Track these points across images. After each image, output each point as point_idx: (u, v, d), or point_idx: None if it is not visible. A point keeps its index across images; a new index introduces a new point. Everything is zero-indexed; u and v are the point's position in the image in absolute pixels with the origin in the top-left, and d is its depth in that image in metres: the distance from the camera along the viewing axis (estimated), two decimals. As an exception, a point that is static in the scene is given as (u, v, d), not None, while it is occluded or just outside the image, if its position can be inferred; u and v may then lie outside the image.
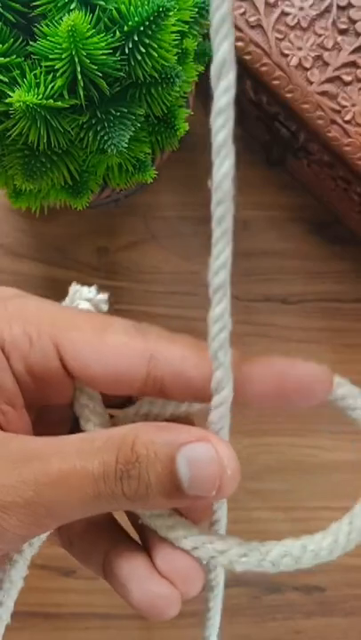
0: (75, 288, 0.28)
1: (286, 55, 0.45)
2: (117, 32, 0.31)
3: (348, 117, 0.45)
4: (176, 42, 0.32)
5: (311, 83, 0.45)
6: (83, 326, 0.25)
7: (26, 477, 0.22)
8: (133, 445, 0.23)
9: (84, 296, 0.27)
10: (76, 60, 0.29)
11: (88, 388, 0.26)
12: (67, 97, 0.31)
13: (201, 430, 0.24)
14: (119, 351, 0.24)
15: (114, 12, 0.31)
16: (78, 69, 0.30)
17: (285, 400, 0.24)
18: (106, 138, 0.33)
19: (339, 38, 0.45)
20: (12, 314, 0.25)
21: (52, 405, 0.27)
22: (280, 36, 0.45)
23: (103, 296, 0.27)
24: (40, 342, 0.24)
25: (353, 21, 0.45)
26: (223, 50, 0.19)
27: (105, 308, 0.28)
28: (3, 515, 0.22)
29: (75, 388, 0.26)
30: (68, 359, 0.24)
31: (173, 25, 0.31)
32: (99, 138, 0.33)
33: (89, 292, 0.27)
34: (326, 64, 0.45)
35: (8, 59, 0.31)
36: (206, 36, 0.40)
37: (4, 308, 0.25)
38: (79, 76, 0.30)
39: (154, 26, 0.30)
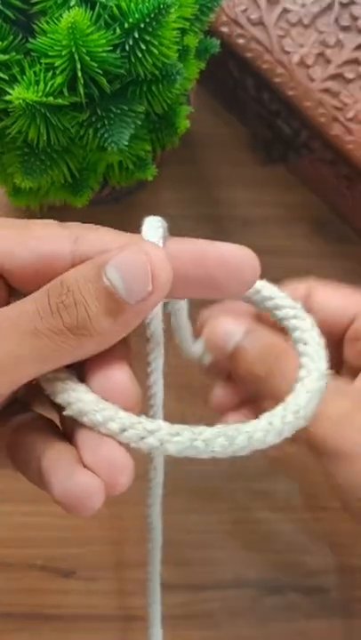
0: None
1: (288, 52, 0.45)
2: (118, 29, 0.31)
3: (350, 115, 0.44)
4: (177, 39, 0.32)
5: (313, 80, 0.45)
6: (5, 224, 0.25)
7: None
8: (61, 281, 0.23)
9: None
10: (76, 57, 0.29)
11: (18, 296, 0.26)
12: (67, 94, 0.31)
13: (129, 241, 0.24)
14: (44, 236, 0.24)
15: (114, 8, 0.30)
16: (78, 67, 0.30)
17: (210, 281, 0.24)
18: (106, 135, 0.33)
19: (341, 35, 0.45)
20: None
21: None
22: (282, 34, 0.45)
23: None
24: None
25: (355, 18, 0.45)
26: None
27: None
28: None
29: (9, 298, 0.26)
30: None
31: (174, 22, 0.31)
32: (99, 135, 0.33)
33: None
34: (328, 61, 0.45)
35: (7, 56, 0.31)
36: (207, 33, 0.40)
37: None
38: (79, 74, 0.30)
39: (154, 23, 0.30)
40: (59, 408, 0.25)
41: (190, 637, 0.51)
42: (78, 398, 0.24)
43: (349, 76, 0.45)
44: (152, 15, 0.30)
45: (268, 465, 0.52)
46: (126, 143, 0.33)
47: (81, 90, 0.31)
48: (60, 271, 0.24)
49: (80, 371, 0.25)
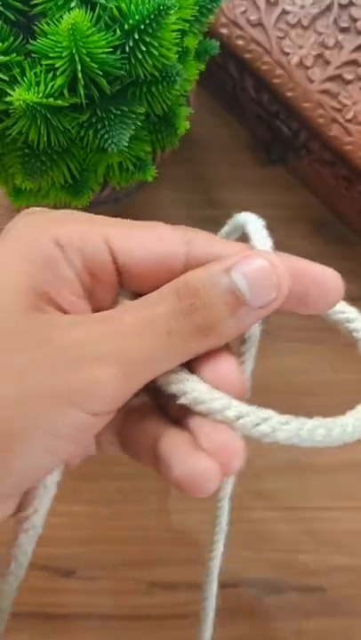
0: None
1: (287, 54, 0.45)
2: (118, 30, 0.31)
3: (349, 116, 0.44)
4: (177, 40, 0.32)
5: (312, 81, 0.45)
6: (125, 223, 0.27)
7: (107, 331, 0.24)
8: (187, 284, 0.25)
9: None
10: (77, 58, 0.29)
11: (126, 291, 0.28)
12: (67, 95, 0.31)
13: (243, 249, 0.27)
14: (161, 237, 0.27)
15: (114, 10, 0.30)
16: (79, 68, 0.30)
17: (303, 298, 0.27)
18: (106, 136, 0.33)
19: (340, 37, 0.45)
20: (62, 217, 0.27)
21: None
22: (281, 35, 0.45)
23: None
24: (92, 238, 0.26)
25: (354, 20, 0.45)
26: None
27: None
28: (100, 367, 0.23)
29: (119, 290, 0.28)
30: (118, 249, 0.26)
31: (174, 23, 0.31)
32: (99, 136, 0.33)
33: None
34: (327, 62, 0.45)
35: (8, 57, 0.31)
36: (207, 34, 0.40)
37: (48, 214, 0.27)
38: (79, 75, 0.30)
39: (154, 24, 0.30)
40: (158, 398, 0.28)
41: (190, 637, 0.51)
42: (193, 388, 0.26)
43: (348, 77, 0.45)
44: (152, 17, 0.30)
45: (268, 465, 0.52)
46: (126, 144, 0.33)
47: (81, 91, 0.31)
48: (175, 271, 0.26)
49: (186, 363, 0.27)
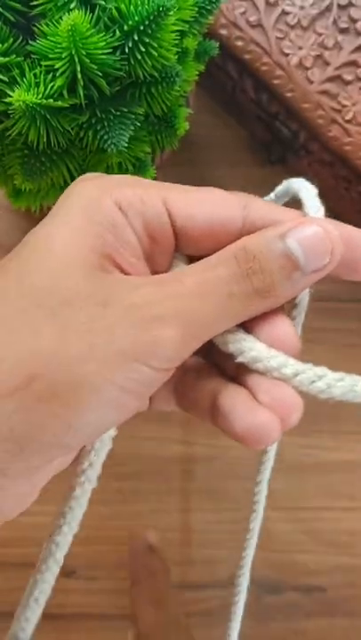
0: None
1: (287, 54, 0.45)
2: (117, 31, 0.31)
3: (348, 117, 0.44)
4: (176, 41, 0.32)
5: (312, 82, 0.45)
6: (185, 188, 0.28)
7: (170, 292, 0.25)
8: (245, 247, 0.26)
9: None
10: (76, 59, 0.29)
11: (182, 255, 0.29)
12: (66, 96, 0.31)
13: (298, 215, 0.28)
14: (218, 201, 0.27)
15: (114, 11, 0.30)
16: (78, 69, 0.30)
17: (354, 263, 0.28)
18: (106, 137, 0.33)
19: (339, 37, 0.45)
20: (122, 180, 0.28)
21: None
22: (281, 36, 0.45)
23: None
24: (151, 201, 0.27)
25: (354, 20, 0.45)
26: None
27: None
28: (161, 327, 0.24)
29: (174, 254, 0.29)
30: (176, 212, 0.27)
31: (173, 24, 0.31)
32: (98, 137, 0.33)
33: None
34: (327, 63, 0.45)
35: (8, 58, 0.31)
36: (206, 35, 0.40)
37: (108, 178, 0.28)
38: (79, 76, 0.30)
39: (154, 25, 0.30)
40: (213, 357, 0.29)
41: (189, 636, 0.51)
42: (251, 347, 0.27)
43: (348, 77, 0.45)
44: (151, 17, 0.30)
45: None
46: (126, 145, 0.33)
47: (81, 92, 0.31)
48: (232, 235, 0.27)
49: (242, 324, 0.28)
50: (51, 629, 0.51)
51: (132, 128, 0.34)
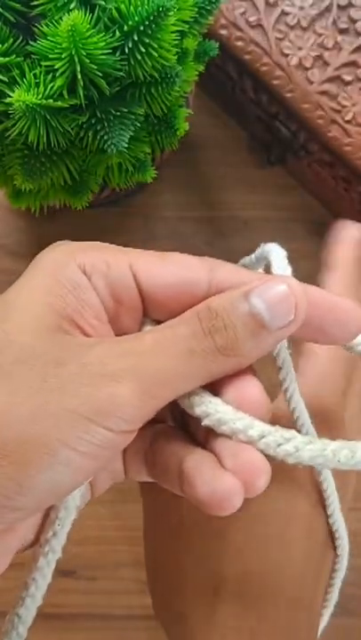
0: None
1: (286, 55, 0.45)
2: (117, 32, 0.31)
3: (348, 117, 0.44)
4: (176, 41, 0.32)
5: (311, 82, 0.45)
6: (148, 252, 0.28)
7: (127, 350, 0.25)
8: (209, 306, 0.26)
9: None
10: (76, 59, 0.29)
11: (150, 319, 0.29)
12: (66, 97, 0.31)
13: (264, 276, 0.28)
14: (184, 265, 0.28)
15: (114, 11, 0.31)
16: (78, 69, 0.30)
17: (321, 326, 0.27)
18: (106, 138, 0.33)
19: (339, 38, 0.45)
20: (87, 245, 0.28)
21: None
22: (280, 36, 0.45)
23: None
24: (117, 265, 0.27)
25: (353, 21, 0.45)
26: None
27: None
28: (116, 384, 0.24)
29: (142, 318, 0.29)
30: (142, 276, 0.27)
31: (173, 24, 0.31)
32: (98, 137, 0.33)
33: None
34: (327, 64, 0.45)
35: (8, 58, 0.31)
36: (206, 36, 0.40)
37: (75, 244, 0.29)
38: (79, 76, 0.30)
39: (154, 25, 0.30)
40: (184, 422, 0.29)
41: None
42: (216, 409, 0.26)
43: (348, 78, 0.45)
44: (151, 18, 0.30)
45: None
46: (126, 145, 0.33)
47: (81, 92, 0.31)
48: (197, 297, 0.27)
49: (209, 386, 0.27)
50: (50, 629, 0.51)
51: (132, 128, 0.34)
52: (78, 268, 0.27)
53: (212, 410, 0.26)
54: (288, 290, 0.26)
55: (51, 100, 0.31)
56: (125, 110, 0.33)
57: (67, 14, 0.29)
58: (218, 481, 0.25)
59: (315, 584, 0.36)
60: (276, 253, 0.30)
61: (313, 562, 0.36)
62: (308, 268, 0.55)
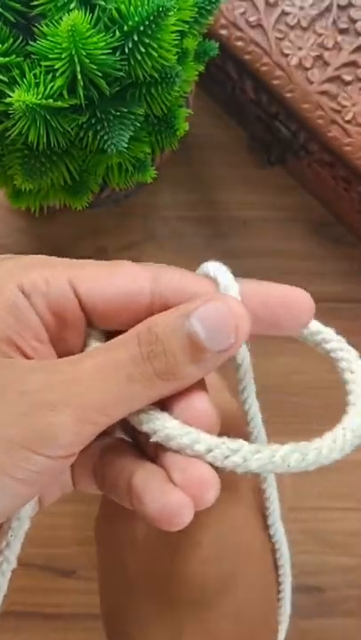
0: None
1: (287, 55, 0.45)
2: (117, 32, 0.31)
3: (348, 117, 0.45)
4: (176, 41, 0.32)
5: (311, 82, 0.45)
6: (92, 264, 0.28)
7: (64, 377, 0.25)
8: (149, 328, 0.26)
9: None
10: (76, 59, 0.29)
11: (96, 330, 0.29)
12: (66, 97, 0.31)
13: (209, 285, 0.28)
14: (126, 275, 0.27)
15: (114, 11, 0.31)
16: (78, 69, 0.30)
17: (274, 320, 0.27)
18: (105, 138, 0.33)
19: (339, 38, 0.45)
20: (27, 263, 0.28)
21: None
22: (280, 36, 0.45)
23: None
24: (56, 281, 0.27)
25: (353, 21, 0.45)
26: None
27: None
28: (53, 413, 0.24)
29: (86, 329, 0.28)
30: (83, 290, 0.27)
31: (173, 24, 0.31)
32: (98, 138, 0.33)
33: None
34: (327, 64, 0.45)
35: (8, 58, 0.31)
36: (206, 36, 0.40)
37: (17, 260, 0.28)
38: (79, 76, 0.30)
39: (154, 25, 0.30)
40: (135, 435, 0.29)
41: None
42: (164, 425, 0.26)
43: (347, 78, 0.45)
44: (151, 18, 0.30)
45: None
46: (125, 145, 0.33)
47: (81, 92, 0.31)
48: (141, 307, 0.27)
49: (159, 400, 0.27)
50: (50, 629, 0.51)
51: (132, 128, 0.34)
52: (17, 288, 0.27)
53: (159, 426, 0.26)
54: (229, 312, 0.26)
55: (51, 100, 0.31)
56: (125, 110, 0.33)
57: (67, 14, 0.29)
58: (167, 497, 0.25)
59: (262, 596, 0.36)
60: (218, 270, 0.29)
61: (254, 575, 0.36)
62: (306, 268, 0.55)
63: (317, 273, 0.54)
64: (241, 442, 0.27)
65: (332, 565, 0.52)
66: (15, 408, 0.24)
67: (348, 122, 0.45)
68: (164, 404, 0.27)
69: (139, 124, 0.35)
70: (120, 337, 0.26)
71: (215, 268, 0.29)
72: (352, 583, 0.51)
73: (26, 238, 0.54)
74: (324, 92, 0.45)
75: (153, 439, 0.27)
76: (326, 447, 0.28)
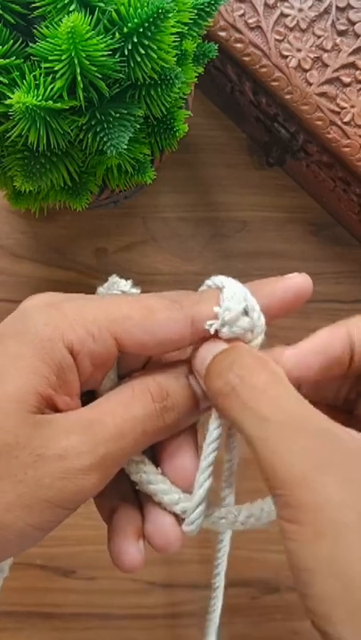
0: (113, 280, 0.33)
1: (286, 56, 0.45)
2: (117, 33, 0.31)
3: (347, 119, 0.45)
4: (175, 43, 0.32)
5: (310, 84, 0.45)
6: (132, 314, 0.29)
7: (94, 441, 0.27)
8: (159, 384, 0.29)
9: (120, 288, 0.32)
10: (76, 61, 0.29)
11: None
12: (66, 98, 0.31)
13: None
14: (168, 328, 0.29)
15: (113, 13, 0.31)
16: (78, 71, 0.30)
17: (287, 303, 0.31)
18: (105, 139, 0.33)
19: (338, 39, 0.45)
20: (73, 317, 0.29)
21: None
22: (279, 38, 0.45)
23: (136, 291, 0.32)
24: (101, 337, 0.28)
25: (352, 23, 0.45)
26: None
27: None
28: (85, 477, 0.26)
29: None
30: (126, 344, 0.29)
31: (172, 26, 0.31)
32: (98, 139, 0.33)
33: (125, 285, 0.32)
34: (325, 65, 0.45)
35: (8, 60, 0.31)
36: (205, 38, 0.40)
37: (63, 314, 0.29)
38: (79, 78, 0.30)
39: (153, 27, 0.30)
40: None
41: (189, 636, 0.51)
42: (149, 480, 0.30)
43: (346, 79, 0.45)
44: (151, 20, 0.30)
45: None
46: (125, 147, 0.33)
47: (80, 94, 0.31)
48: (182, 348, 0.30)
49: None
50: (50, 629, 0.51)
51: (132, 130, 0.34)
52: (66, 349, 0.28)
53: (144, 480, 0.30)
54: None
55: (50, 102, 0.31)
56: (125, 112, 0.33)
57: (66, 16, 0.29)
58: (126, 548, 0.30)
59: None
60: (244, 295, 0.30)
61: None
62: (305, 269, 0.55)
63: (316, 273, 0.54)
64: (213, 507, 0.30)
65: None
66: (52, 473, 0.26)
67: (346, 123, 0.45)
68: (155, 452, 0.31)
69: (138, 126, 0.35)
70: (130, 388, 0.29)
71: (237, 291, 0.30)
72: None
73: (25, 239, 0.54)
74: (322, 94, 0.45)
75: (137, 488, 0.30)
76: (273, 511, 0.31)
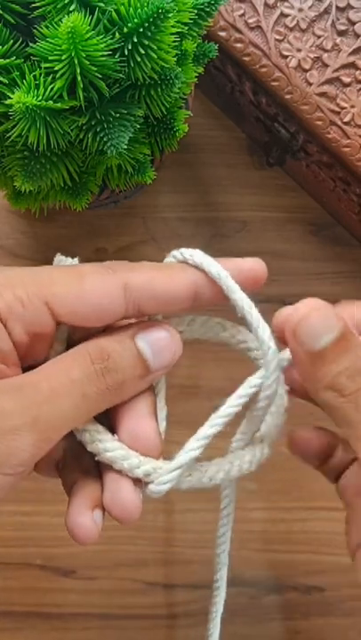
0: (59, 258, 0.33)
1: (286, 56, 0.45)
2: (117, 33, 0.31)
3: (347, 119, 0.45)
4: (175, 43, 0.32)
5: (310, 84, 0.45)
6: (62, 280, 0.28)
7: (25, 402, 0.26)
8: (101, 348, 0.28)
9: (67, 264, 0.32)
10: (76, 61, 0.30)
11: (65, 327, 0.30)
12: (66, 98, 0.31)
13: (150, 321, 0.31)
14: (98, 291, 0.28)
15: (113, 13, 0.31)
16: (78, 71, 0.30)
17: (245, 283, 0.31)
18: (105, 139, 0.33)
19: (338, 39, 0.45)
20: (4, 282, 0.28)
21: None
22: (279, 38, 0.45)
23: (75, 260, 0.32)
24: (31, 303, 0.28)
25: (352, 22, 0.45)
26: None
27: None
28: (15, 437, 0.26)
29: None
30: (58, 310, 0.28)
31: (172, 26, 0.31)
32: (98, 139, 0.33)
33: (71, 262, 0.32)
34: (325, 65, 0.45)
35: (8, 60, 0.31)
36: (205, 38, 0.40)
37: None
38: (79, 78, 0.30)
39: (153, 27, 0.30)
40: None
41: (189, 636, 0.51)
42: (105, 448, 0.29)
43: (346, 79, 0.45)
44: (151, 20, 0.30)
45: (266, 465, 0.52)
46: (125, 147, 0.33)
47: (80, 94, 0.31)
48: (116, 315, 0.29)
49: (106, 415, 0.30)
50: (50, 629, 0.51)
51: (132, 130, 0.34)
52: None
53: (101, 449, 0.29)
54: (171, 339, 0.30)
55: (50, 102, 0.31)
56: (125, 112, 0.33)
57: (66, 16, 0.29)
58: (81, 519, 0.29)
59: None
60: (207, 261, 0.30)
61: None
62: (305, 269, 0.55)
63: (316, 273, 0.54)
64: (174, 464, 0.29)
65: (333, 565, 0.52)
66: None
67: (346, 123, 0.45)
68: (112, 421, 0.30)
69: (138, 126, 0.35)
70: (71, 354, 0.29)
71: (200, 257, 0.30)
72: (352, 583, 0.51)
73: (25, 239, 0.54)
74: (322, 94, 0.45)
75: (97, 459, 0.30)
76: (247, 462, 0.32)
